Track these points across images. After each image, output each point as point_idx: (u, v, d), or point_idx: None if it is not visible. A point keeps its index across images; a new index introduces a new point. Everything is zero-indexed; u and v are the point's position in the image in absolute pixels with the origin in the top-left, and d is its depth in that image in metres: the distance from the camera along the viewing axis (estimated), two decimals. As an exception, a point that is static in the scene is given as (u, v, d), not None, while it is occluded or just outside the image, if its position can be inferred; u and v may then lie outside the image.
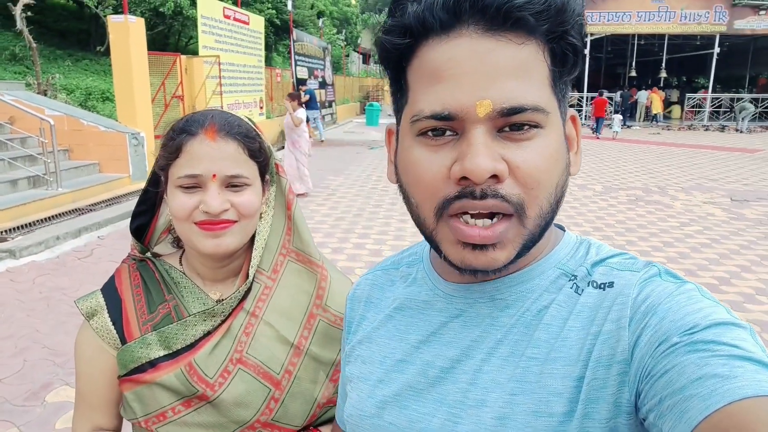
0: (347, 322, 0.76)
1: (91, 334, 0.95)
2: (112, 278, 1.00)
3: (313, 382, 0.97)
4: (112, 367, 0.94)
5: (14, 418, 2.85)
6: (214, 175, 0.87)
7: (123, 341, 0.93)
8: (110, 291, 0.98)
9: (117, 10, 13.06)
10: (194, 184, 0.88)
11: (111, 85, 9.44)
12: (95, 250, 5.66)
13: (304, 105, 8.37)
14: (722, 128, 20.94)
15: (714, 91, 22.70)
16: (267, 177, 0.98)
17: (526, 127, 0.51)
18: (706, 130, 21.06)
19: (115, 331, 0.94)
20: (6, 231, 5.79)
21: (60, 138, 7.34)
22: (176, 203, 0.89)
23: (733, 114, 21.99)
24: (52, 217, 6.44)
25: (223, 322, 0.94)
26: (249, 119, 0.98)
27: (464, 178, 0.51)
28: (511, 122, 0.51)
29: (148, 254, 1.02)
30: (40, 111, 7.48)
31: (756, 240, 6.27)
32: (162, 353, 0.91)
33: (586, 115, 21.03)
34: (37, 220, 6.23)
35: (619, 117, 18.35)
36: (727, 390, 0.42)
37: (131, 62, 8.06)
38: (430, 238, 0.57)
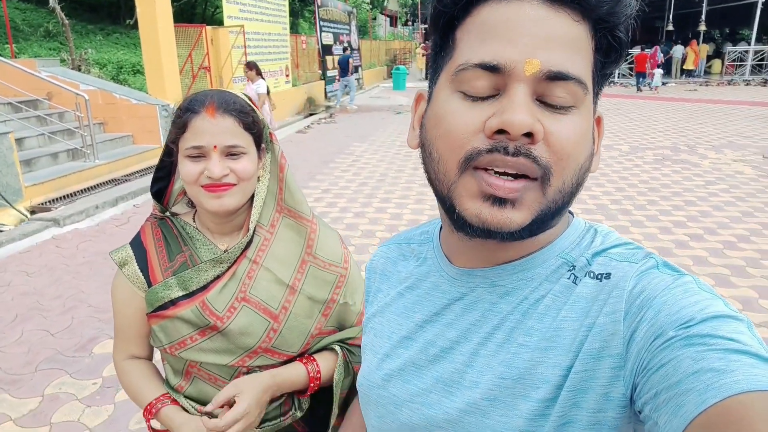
0: (366, 291, 0.83)
1: (124, 280, 1.15)
2: (138, 234, 1.20)
3: (307, 317, 1.16)
4: (142, 306, 1.15)
5: (67, 366, 3.18)
6: (215, 147, 1.05)
7: (149, 285, 1.13)
8: (137, 244, 1.18)
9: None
10: (199, 154, 1.06)
11: (141, 58, 9.69)
12: (132, 217, 5.99)
13: (262, 76, 8.02)
14: (765, 82, 20.01)
15: (759, 42, 21.59)
16: (263, 146, 1.15)
17: (563, 107, 0.52)
18: (747, 84, 20.16)
19: (143, 277, 1.14)
20: (50, 201, 6.17)
21: (95, 112, 7.66)
22: (185, 170, 1.07)
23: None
24: (91, 187, 6.81)
25: (229, 267, 1.13)
26: (245, 95, 1.14)
27: (500, 132, 0.51)
28: (553, 90, 0.51)
29: (167, 213, 1.22)
30: (75, 86, 7.79)
31: (783, 198, 6.17)
32: (181, 293, 1.11)
33: (620, 73, 20.35)
34: (78, 191, 6.60)
35: (659, 71, 18.05)
36: (723, 384, 0.42)
37: (159, 35, 8.26)
38: (446, 195, 0.56)
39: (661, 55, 19.82)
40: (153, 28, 8.27)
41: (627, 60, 19.32)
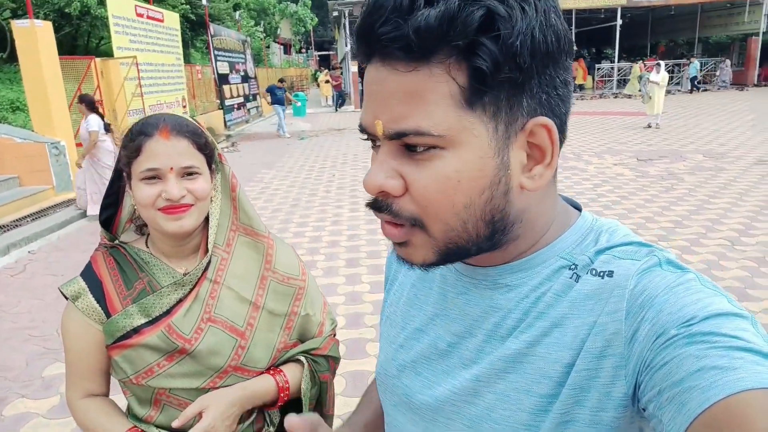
0: (386, 280, 0.84)
1: (77, 314, 1.12)
2: (89, 264, 1.17)
3: (271, 331, 1.19)
4: (98, 339, 1.12)
5: (-27, 433, 2.87)
6: (171, 168, 1.06)
7: (108, 316, 1.11)
8: (89, 275, 1.15)
9: (17, 13, 12.31)
10: (155, 176, 1.06)
11: (20, 94, 8.99)
12: (28, 265, 5.51)
13: (96, 111, 6.94)
14: (629, 95, 22.43)
15: (620, 60, 24.21)
16: (213, 166, 1.18)
17: (421, 149, 0.52)
18: (615, 97, 22.49)
19: (100, 308, 1.11)
20: (-74, 255, 5.52)
21: (-28, 153, 6.98)
22: (141, 194, 1.07)
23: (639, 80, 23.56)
24: (-25, 236, 6.17)
25: (191, 290, 1.14)
26: (195, 120, 1.18)
27: None
28: (405, 143, 0.53)
29: (117, 241, 1.20)
30: (-53, 127, 7.07)
31: (658, 194, 6.96)
32: (143, 321, 1.09)
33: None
34: (-41, 241, 5.96)
35: None
36: (727, 382, 0.42)
37: (42, 69, 7.72)
38: None
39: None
40: (35, 61, 7.72)
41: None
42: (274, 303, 1.19)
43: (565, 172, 8.59)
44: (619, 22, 22.64)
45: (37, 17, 8.35)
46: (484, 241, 0.56)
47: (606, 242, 0.59)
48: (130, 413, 1.18)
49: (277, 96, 15.44)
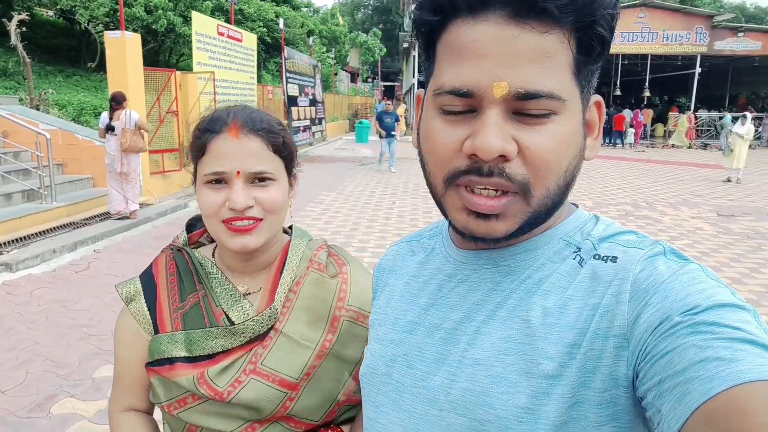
0: (374, 290, 0.80)
1: (130, 319, 0.99)
2: (150, 266, 1.03)
3: (335, 380, 0.98)
4: (146, 349, 0.97)
5: (20, 429, 2.82)
6: (238, 172, 0.90)
7: (155, 328, 0.97)
8: (147, 278, 1.02)
9: (109, 26, 13.10)
10: (220, 180, 0.91)
11: (104, 101, 9.43)
12: (92, 263, 5.62)
13: (111, 108, 6.85)
14: (704, 146, 21.42)
15: (695, 110, 23.25)
16: (294, 172, 1.01)
17: (539, 113, 0.53)
18: (689, 147, 21.52)
19: (149, 317, 0.98)
20: (1, 245, 5.73)
21: (54, 152, 7.31)
22: (204, 200, 0.92)
23: (714, 131, 22.53)
24: (47, 230, 6.39)
25: (246, 344, 0.95)
26: (271, 115, 0.99)
27: (474, 154, 0.53)
28: (525, 107, 0.52)
29: (183, 245, 1.06)
30: (35, 125, 7.46)
31: (744, 253, 6.41)
32: (183, 354, 0.94)
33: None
34: (32, 234, 6.18)
35: (632, 130, 21.10)
36: (729, 374, 0.42)
37: (128, 77, 8.08)
38: (439, 203, 0.60)
39: (642, 117, 22.14)
40: (122, 70, 8.09)
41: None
42: (342, 347, 0.98)
43: (637, 221, 8.13)
44: (698, 70, 21.82)
45: (127, 31, 8.78)
46: (552, 210, 0.57)
47: (604, 230, 0.61)
48: None
49: (385, 123, 12.92)
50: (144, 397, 1.02)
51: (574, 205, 0.66)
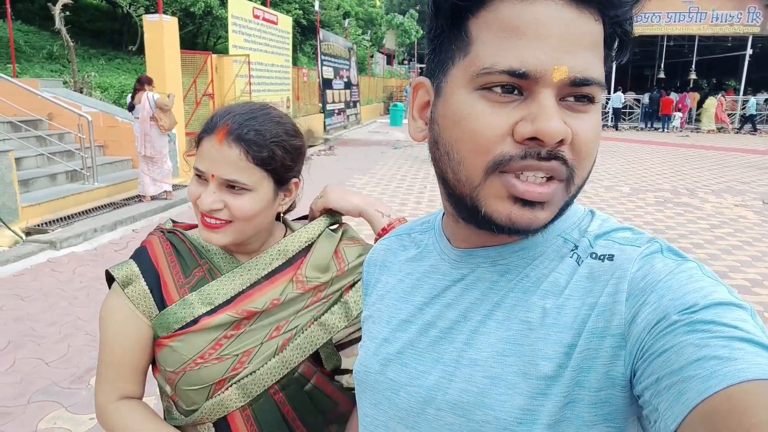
0: (365, 285, 0.80)
1: (123, 302, 0.98)
2: (143, 249, 1.04)
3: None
4: (144, 334, 0.98)
5: (62, 399, 2.98)
6: (213, 176, 0.94)
7: (161, 307, 0.98)
8: (144, 260, 1.02)
9: (149, 9, 13.35)
10: (202, 176, 0.96)
11: (143, 84, 9.63)
12: (130, 242, 5.82)
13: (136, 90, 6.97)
14: (754, 131, 20.49)
15: (745, 93, 22.21)
16: (295, 180, 1.03)
17: (586, 100, 0.53)
18: (737, 133, 20.62)
19: (152, 297, 0.98)
20: (46, 223, 5.99)
21: (96, 134, 7.55)
22: (190, 188, 0.99)
23: (766, 117, 21.51)
24: (89, 210, 6.64)
25: (264, 281, 1.02)
26: (289, 122, 1.03)
27: (532, 138, 0.51)
28: (577, 92, 0.52)
29: (172, 227, 1.09)
30: (78, 108, 7.71)
31: (790, 244, 6.16)
32: (205, 309, 0.98)
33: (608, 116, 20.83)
34: (75, 214, 6.43)
35: (679, 114, 20.58)
36: (727, 372, 0.41)
37: (165, 61, 8.24)
38: (467, 195, 0.56)
39: (689, 101, 21.41)
40: (159, 54, 8.26)
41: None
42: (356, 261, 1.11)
43: (676, 208, 7.88)
44: (749, 51, 20.79)
45: (165, 14, 8.95)
46: (571, 203, 0.57)
47: (600, 227, 0.60)
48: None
49: None
50: (140, 382, 1.02)
51: None
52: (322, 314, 1.04)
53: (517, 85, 0.51)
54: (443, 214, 0.70)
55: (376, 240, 1.07)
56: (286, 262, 1.05)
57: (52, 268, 4.99)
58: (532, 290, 0.58)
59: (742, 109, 21.24)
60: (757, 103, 20.49)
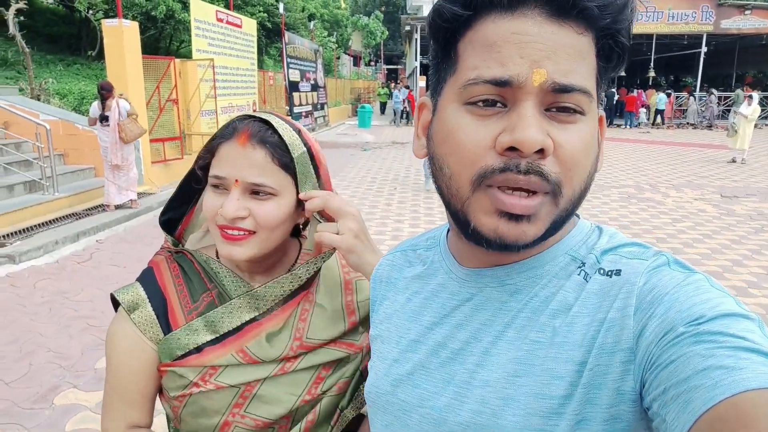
0: (371, 302, 0.79)
1: (129, 327, 0.94)
2: (149, 271, 1.00)
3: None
4: (150, 359, 0.94)
5: (23, 421, 2.87)
6: (237, 181, 0.89)
7: (167, 332, 0.94)
8: (150, 283, 0.97)
9: (108, 14, 13.03)
10: (220, 185, 0.90)
11: (104, 90, 9.37)
12: (94, 254, 5.66)
13: (102, 99, 6.81)
14: (710, 126, 21.20)
15: (701, 90, 22.97)
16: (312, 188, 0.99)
17: (571, 111, 0.53)
18: (694, 128, 21.31)
19: (158, 323, 0.94)
20: (4, 236, 5.77)
21: (55, 143, 7.31)
22: (206, 202, 0.92)
23: (721, 112, 22.28)
24: (50, 221, 6.43)
25: (274, 313, 0.96)
26: (295, 128, 0.97)
27: (511, 149, 0.51)
28: (560, 101, 0.52)
29: (182, 247, 1.04)
30: (35, 116, 7.47)
31: (746, 235, 6.39)
32: (208, 338, 0.93)
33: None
34: (35, 225, 6.22)
35: (644, 110, 21.59)
36: (732, 381, 0.42)
37: (126, 66, 8.04)
38: (459, 210, 0.57)
39: (645, 97, 22.25)
40: (120, 59, 8.05)
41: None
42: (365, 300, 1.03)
43: (640, 203, 8.10)
44: (704, 49, 21.51)
45: (126, 18, 8.74)
46: (569, 216, 0.56)
47: (608, 243, 0.60)
48: None
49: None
50: (149, 409, 0.98)
51: (576, 215, 0.66)
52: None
53: (500, 96, 0.52)
54: (448, 229, 0.69)
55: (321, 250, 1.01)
56: (298, 288, 0.99)
57: (11, 283, 4.81)
58: (541, 310, 0.57)
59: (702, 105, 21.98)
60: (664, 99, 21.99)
